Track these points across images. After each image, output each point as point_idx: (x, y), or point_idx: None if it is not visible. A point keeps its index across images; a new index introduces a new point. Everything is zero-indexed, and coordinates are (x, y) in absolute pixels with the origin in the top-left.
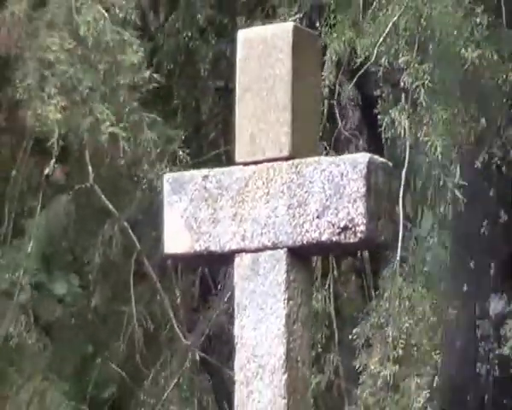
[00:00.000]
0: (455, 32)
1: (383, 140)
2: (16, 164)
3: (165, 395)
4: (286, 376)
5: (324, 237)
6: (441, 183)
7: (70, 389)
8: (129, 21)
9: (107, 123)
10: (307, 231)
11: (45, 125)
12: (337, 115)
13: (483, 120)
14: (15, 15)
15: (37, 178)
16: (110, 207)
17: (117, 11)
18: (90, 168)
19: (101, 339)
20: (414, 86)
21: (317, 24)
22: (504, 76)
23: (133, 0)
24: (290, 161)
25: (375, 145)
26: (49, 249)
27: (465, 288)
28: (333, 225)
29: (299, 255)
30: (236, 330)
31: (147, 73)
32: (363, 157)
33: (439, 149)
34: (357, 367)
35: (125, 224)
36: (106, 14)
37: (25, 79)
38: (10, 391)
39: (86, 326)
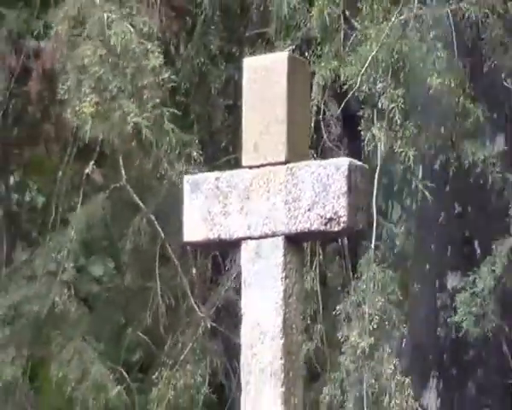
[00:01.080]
0: (421, 64)
1: (360, 149)
2: (62, 167)
3: (182, 357)
4: (283, 341)
5: (314, 227)
6: (408, 182)
7: (106, 351)
8: (151, 34)
9: (132, 114)
10: (300, 222)
11: (81, 118)
12: (322, 129)
13: (442, 133)
14: (59, 34)
15: (79, 179)
16: (139, 202)
17: (141, 26)
18: (122, 171)
19: (131, 311)
20: (390, 107)
21: (307, 54)
22: (457, 99)
23: (155, 23)
24: (286, 165)
25: (352, 154)
26: (89, 237)
27: (427, 267)
28: (321, 217)
29: (294, 242)
30: (242, 303)
31: (166, 75)
32: (344, 161)
33: (411, 157)
34: (340, 338)
35: (151, 216)
36: (132, 29)
37: (65, 83)
38: (55, 351)
39: (119, 301)
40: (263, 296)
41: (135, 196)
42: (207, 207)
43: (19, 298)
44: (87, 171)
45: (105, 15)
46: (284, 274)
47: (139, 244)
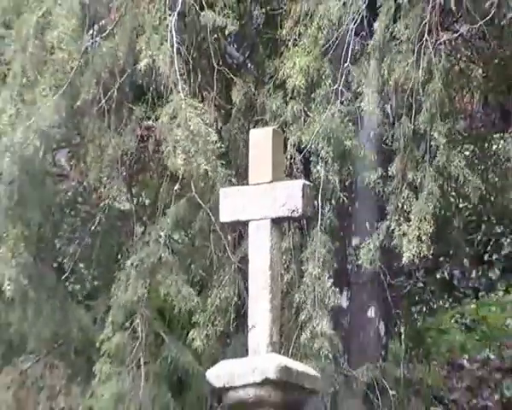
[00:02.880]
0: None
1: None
2: (163, 185)
3: (224, 282)
4: (270, 273)
5: (285, 214)
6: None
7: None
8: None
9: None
10: (278, 212)
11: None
12: (293, 166)
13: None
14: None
15: (170, 193)
16: (201, 203)
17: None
18: (193, 187)
19: (198, 258)
20: (325, 157)
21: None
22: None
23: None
24: (271, 183)
25: (306, 177)
26: (176, 221)
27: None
28: (288, 209)
29: (276, 223)
30: (250, 256)
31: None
32: (301, 181)
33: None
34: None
35: (208, 210)
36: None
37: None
38: None
39: (189, 255)
40: (260, 259)
41: (199, 199)
42: (232, 204)
43: None
44: (176, 188)
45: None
46: (271, 244)
47: (202, 225)
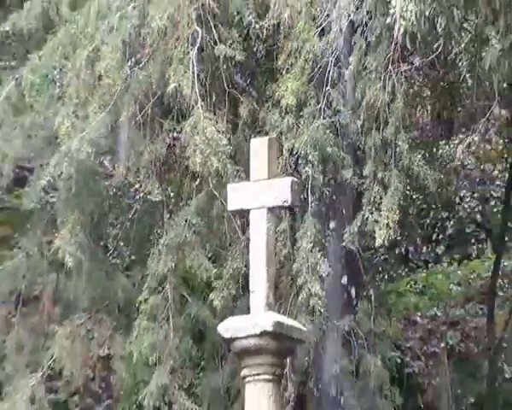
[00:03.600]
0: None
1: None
2: (184, 182)
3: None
4: (265, 251)
5: (278, 204)
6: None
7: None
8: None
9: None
10: (273, 202)
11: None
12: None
13: None
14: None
15: (191, 188)
16: (216, 194)
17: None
18: (210, 184)
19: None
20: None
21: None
22: None
23: None
24: (268, 180)
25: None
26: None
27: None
28: (280, 200)
29: (271, 211)
30: (251, 237)
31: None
32: (290, 178)
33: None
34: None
35: (221, 200)
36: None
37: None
38: None
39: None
40: (258, 239)
41: (215, 193)
42: (237, 196)
43: None
44: (196, 183)
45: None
46: (267, 226)
47: (217, 212)
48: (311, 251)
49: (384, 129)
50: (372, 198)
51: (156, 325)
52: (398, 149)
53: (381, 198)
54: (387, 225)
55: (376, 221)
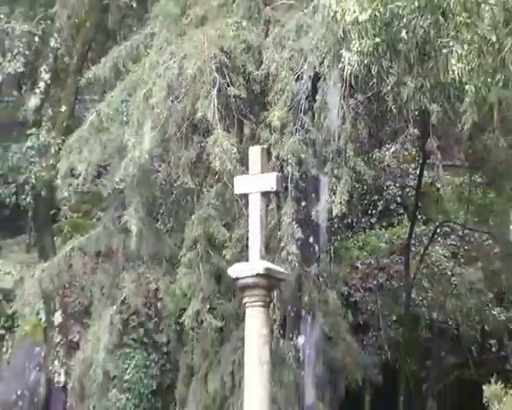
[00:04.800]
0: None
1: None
2: (206, 177)
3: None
4: (259, 225)
5: (267, 190)
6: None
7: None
8: None
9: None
10: (264, 188)
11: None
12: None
13: None
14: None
15: (212, 180)
16: (230, 186)
17: None
18: (225, 178)
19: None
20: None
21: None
22: None
23: None
24: (262, 174)
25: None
26: (215, 198)
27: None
28: (270, 187)
29: (263, 195)
30: (249, 217)
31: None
32: (276, 173)
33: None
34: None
35: (232, 189)
36: None
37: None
38: None
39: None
40: (254, 210)
41: (228, 184)
42: (241, 185)
43: None
44: (216, 178)
45: None
46: (260, 204)
47: (229, 196)
48: (290, 223)
49: (338, 142)
50: (330, 187)
51: (191, 270)
52: (347, 155)
53: (336, 186)
54: (340, 203)
55: (333, 201)
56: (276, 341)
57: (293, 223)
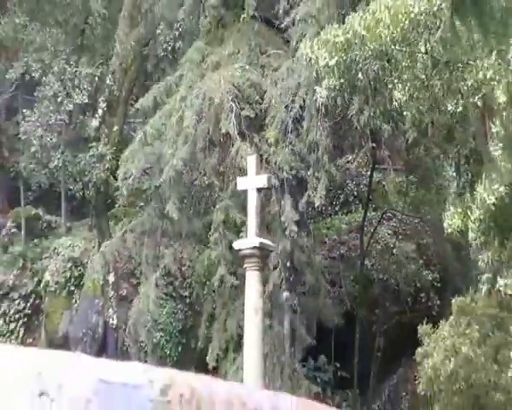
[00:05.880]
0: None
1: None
2: (224, 176)
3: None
4: (255, 215)
5: (261, 186)
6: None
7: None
8: None
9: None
10: (259, 185)
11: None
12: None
13: None
14: None
15: (231, 178)
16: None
17: None
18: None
19: (239, 208)
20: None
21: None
22: None
23: None
24: (257, 175)
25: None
26: (231, 194)
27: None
28: (263, 184)
29: (257, 190)
30: (248, 205)
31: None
32: (267, 175)
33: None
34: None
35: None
36: None
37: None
38: None
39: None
40: (252, 201)
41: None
42: (242, 183)
43: None
44: (230, 178)
45: None
46: (256, 197)
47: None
48: (290, 210)
49: (317, 152)
50: (313, 185)
51: (216, 246)
52: (324, 161)
53: (317, 185)
54: (320, 197)
55: (314, 196)
56: (269, 294)
57: (293, 209)
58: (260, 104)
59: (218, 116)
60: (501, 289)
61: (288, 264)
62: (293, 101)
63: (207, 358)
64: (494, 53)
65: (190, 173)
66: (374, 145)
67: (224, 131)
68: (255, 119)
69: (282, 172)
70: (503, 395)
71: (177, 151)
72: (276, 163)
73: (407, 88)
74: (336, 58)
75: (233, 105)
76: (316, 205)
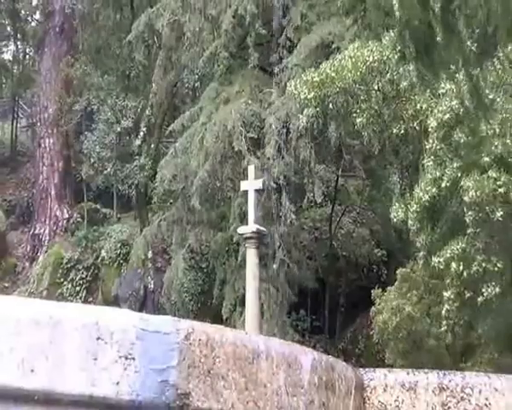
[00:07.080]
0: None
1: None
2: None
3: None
4: (254, 210)
5: (257, 188)
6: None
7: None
8: None
9: None
10: (256, 187)
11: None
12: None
13: None
14: None
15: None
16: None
17: None
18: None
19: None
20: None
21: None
22: None
23: None
24: (255, 179)
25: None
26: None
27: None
28: (259, 187)
29: (256, 191)
30: (248, 202)
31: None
32: (261, 179)
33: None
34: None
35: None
36: None
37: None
38: None
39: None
40: (251, 200)
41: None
42: (244, 185)
43: None
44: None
45: None
46: (254, 197)
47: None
48: (289, 207)
49: (309, 164)
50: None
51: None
52: (316, 170)
53: (312, 189)
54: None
55: (314, 196)
56: (264, 265)
57: (292, 206)
58: (261, 129)
59: (230, 138)
60: (433, 263)
61: (280, 243)
62: (283, 126)
63: (222, 311)
64: (428, 90)
65: (210, 179)
66: (347, 157)
67: (236, 149)
68: (257, 139)
69: (278, 179)
70: (435, 341)
71: (201, 165)
72: (274, 173)
73: (365, 115)
74: (313, 93)
75: (241, 129)
76: (312, 202)
